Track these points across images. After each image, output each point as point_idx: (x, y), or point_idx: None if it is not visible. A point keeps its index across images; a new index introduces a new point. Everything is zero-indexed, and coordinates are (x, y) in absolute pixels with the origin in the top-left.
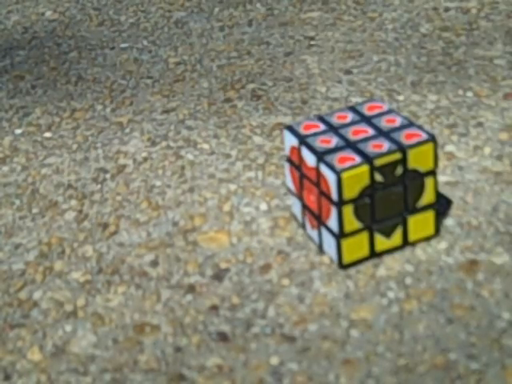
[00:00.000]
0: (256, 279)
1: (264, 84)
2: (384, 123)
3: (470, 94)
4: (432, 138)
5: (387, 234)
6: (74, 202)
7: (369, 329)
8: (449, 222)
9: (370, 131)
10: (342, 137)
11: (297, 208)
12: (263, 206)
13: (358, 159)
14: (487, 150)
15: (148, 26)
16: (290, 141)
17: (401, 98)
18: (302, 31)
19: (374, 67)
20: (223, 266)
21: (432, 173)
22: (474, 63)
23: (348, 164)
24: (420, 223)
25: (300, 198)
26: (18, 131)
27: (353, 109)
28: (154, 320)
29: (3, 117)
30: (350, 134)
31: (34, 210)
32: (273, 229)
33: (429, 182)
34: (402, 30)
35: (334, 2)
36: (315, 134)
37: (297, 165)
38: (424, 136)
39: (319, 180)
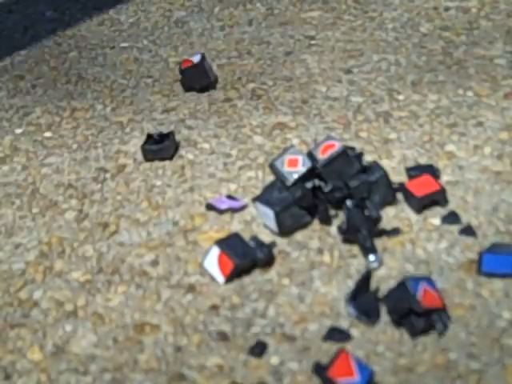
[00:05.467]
0: (256, 279)
1: (264, 83)
2: None
3: (470, 93)
4: None
5: None
6: (74, 202)
7: (369, 328)
8: None
9: None
10: None
11: None
12: None
13: None
14: (487, 150)
15: (148, 26)
16: None
17: (401, 97)
18: (302, 31)
19: (374, 67)
20: None
21: None
22: (474, 63)
23: None
24: None
25: None
26: (19, 131)
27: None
28: (154, 320)
29: (3, 116)
30: None
31: (34, 210)
32: None
33: None
34: (403, 29)
35: (334, 1)
36: None
37: None
38: None
39: None
